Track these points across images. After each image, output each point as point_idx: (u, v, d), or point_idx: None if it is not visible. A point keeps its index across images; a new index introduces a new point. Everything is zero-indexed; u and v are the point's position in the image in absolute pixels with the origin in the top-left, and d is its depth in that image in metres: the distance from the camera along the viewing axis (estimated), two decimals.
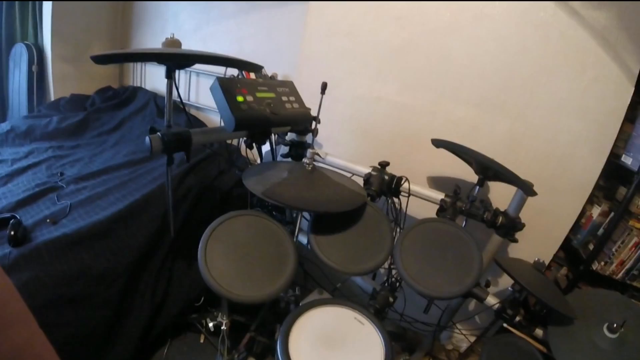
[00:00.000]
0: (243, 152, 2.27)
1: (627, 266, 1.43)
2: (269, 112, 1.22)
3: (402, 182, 1.40)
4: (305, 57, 1.97)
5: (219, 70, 2.32)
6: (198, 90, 2.69)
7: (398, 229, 1.40)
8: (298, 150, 1.58)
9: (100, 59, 0.95)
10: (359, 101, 1.86)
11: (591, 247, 1.52)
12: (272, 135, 1.47)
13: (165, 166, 1.15)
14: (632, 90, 1.36)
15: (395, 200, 1.43)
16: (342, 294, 1.58)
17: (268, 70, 2.07)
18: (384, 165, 1.43)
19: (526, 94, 1.51)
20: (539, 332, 1.20)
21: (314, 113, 1.52)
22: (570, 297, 1.20)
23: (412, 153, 1.75)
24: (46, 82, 2.80)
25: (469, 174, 1.47)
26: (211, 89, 1.16)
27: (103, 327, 1.28)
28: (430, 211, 1.38)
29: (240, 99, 1.16)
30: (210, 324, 1.40)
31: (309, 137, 1.62)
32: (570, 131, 1.46)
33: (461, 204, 1.33)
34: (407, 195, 1.41)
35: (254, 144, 1.32)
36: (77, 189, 1.63)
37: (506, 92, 1.54)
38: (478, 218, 1.31)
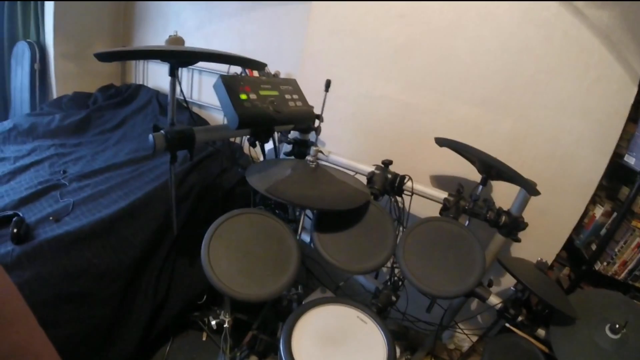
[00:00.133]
0: (246, 151, 2.27)
1: (630, 266, 1.43)
2: (272, 110, 1.22)
3: (405, 180, 1.40)
4: (308, 55, 1.97)
5: (222, 68, 2.33)
6: (200, 88, 2.69)
7: (401, 228, 1.40)
8: (301, 148, 1.58)
9: (104, 57, 0.95)
10: (362, 99, 1.86)
11: (594, 247, 1.52)
12: (275, 133, 1.47)
13: (168, 164, 1.15)
14: (635, 90, 1.35)
15: (399, 199, 1.43)
16: (344, 292, 1.58)
17: (270, 68, 2.07)
18: (387, 163, 1.43)
19: (529, 94, 1.50)
20: (541, 332, 1.20)
21: (317, 111, 1.52)
22: (572, 298, 1.20)
23: (415, 152, 1.75)
24: (48, 80, 2.81)
25: (472, 173, 1.47)
26: (214, 86, 1.16)
27: (104, 325, 1.29)
28: (434, 210, 1.38)
29: (243, 96, 1.16)
30: (213, 322, 1.40)
31: (311, 136, 1.62)
32: (573, 131, 1.46)
33: (464, 203, 1.32)
34: (410, 194, 1.41)
35: (257, 142, 1.32)
36: (80, 186, 1.64)
37: (509, 91, 1.54)
38: (481, 217, 1.31)
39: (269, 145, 1.52)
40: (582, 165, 1.48)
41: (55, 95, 2.78)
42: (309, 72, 1.96)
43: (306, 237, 1.48)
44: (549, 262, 1.62)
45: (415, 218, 1.38)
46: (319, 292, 1.41)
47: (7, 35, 2.67)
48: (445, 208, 1.34)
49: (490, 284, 1.30)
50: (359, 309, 1.07)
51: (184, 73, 2.67)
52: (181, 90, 1.57)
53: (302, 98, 1.42)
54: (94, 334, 1.25)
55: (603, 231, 1.51)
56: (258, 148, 1.37)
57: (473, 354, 1.70)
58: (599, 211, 1.54)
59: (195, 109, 2.69)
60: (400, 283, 1.34)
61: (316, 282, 1.72)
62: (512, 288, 1.25)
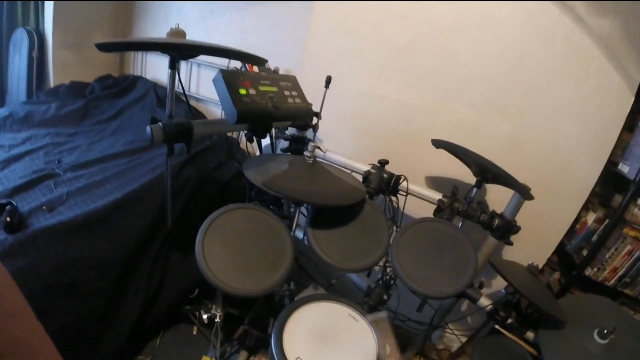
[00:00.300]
0: (242, 145, 2.27)
1: (620, 273, 1.45)
2: (271, 106, 1.22)
3: (401, 180, 1.41)
4: (309, 53, 1.97)
5: (221, 61, 2.32)
6: (199, 81, 2.68)
7: (395, 228, 1.40)
8: (298, 145, 1.58)
9: (105, 47, 0.94)
10: (361, 99, 1.86)
11: (585, 252, 1.53)
12: (273, 129, 1.47)
13: (165, 156, 1.14)
14: (632, 99, 1.37)
15: (394, 198, 1.44)
16: (336, 290, 1.58)
17: (270, 64, 2.06)
18: (383, 163, 1.43)
19: (528, 98, 1.51)
20: (530, 334, 1.21)
21: (315, 109, 1.52)
22: (562, 302, 1.21)
23: (412, 152, 1.76)
24: (46, 68, 2.78)
25: (467, 176, 1.48)
26: (214, 80, 1.15)
27: (96, 316, 1.28)
28: (428, 211, 1.39)
29: (242, 91, 1.15)
30: (204, 316, 1.40)
31: (309, 133, 1.62)
32: (569, 137, 1.47)
33: (458, 204, 1.33)
34: (405, 194, 1.41)
35: (254, 138, 1.32)
36: (75, 176, 1.62)
37: (508, 95, 1.54)
38: (475, 219, 1.32)
39: (266, 141, 1.52)
40: (577, 172, 1.49)
41: (52, 84, 2.75)
42: (309, 70, 1.95)
43: (300, 234, 1.48)
44: (540, 266, 1.63)
45: (409, 218, 1.39)
46: (311, 289, 1.41)
47: (6, 22, 2.64)
48: (440, 209, 1.35)
49: (481, 286, 1.31)
50: (350, 307, 1.08)
51: (182, 65, 2.65)
52: (180, 83, 1.56)
53: (301, 95, 1.42)
54: (86, 325, 1.25)
55: (595, 237, 1.53)
56: (255, 143, 1.37)
57: (462, 355, 1.71)
58: (591, 217, 1.56)
59: (192, 102, 2.68)
60: (392, 282, 1.35)
61: (308, 279, 1.72)
62: (502, 290, 1.26)
